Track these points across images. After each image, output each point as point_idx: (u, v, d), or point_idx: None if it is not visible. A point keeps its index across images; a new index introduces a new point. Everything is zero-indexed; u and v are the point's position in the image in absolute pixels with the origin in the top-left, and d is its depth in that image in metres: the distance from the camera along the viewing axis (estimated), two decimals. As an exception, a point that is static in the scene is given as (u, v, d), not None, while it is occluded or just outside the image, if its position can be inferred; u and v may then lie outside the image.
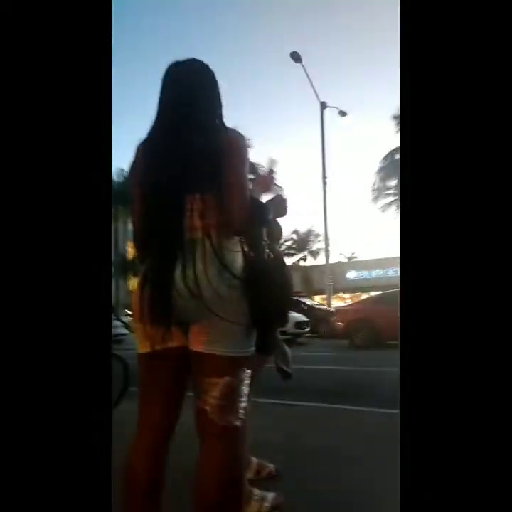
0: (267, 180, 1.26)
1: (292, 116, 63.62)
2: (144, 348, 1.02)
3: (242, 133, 1.14)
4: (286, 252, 26.18)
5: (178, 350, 1.00)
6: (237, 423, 0.98)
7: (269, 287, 1.05)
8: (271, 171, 1.29)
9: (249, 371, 1.03)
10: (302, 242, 26.19)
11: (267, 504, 1.38)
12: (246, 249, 1.06)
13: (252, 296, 1.00)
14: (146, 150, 1.07)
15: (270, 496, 1.42)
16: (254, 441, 1.55)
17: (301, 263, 26.05)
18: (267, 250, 1.19)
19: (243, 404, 1.00)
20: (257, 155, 1.46)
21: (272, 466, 1.68)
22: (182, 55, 1.15)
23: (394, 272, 21.86)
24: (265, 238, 1.21)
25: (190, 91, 1.09)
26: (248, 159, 1.08)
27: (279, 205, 1.28)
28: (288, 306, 1.37)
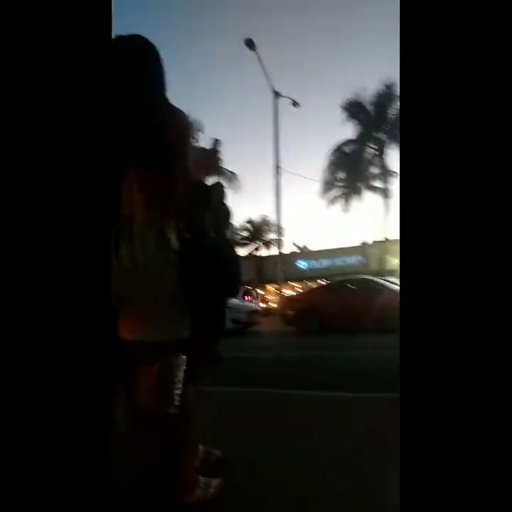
0: (211, 162, 1.24)
1: (245, 104, 63.41)
2: None
3: (187, 114, 1.11)
4: (241, 242, 26.26)
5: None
6: (172, 410, 0.97)
7: (208, 271, 1.03)
8: (215, 152, 1.27)
9: (183, 356, 1.01)
10: (256, 232, 26.36)
11: (211, 490, 1.38)
12: (185, 230, 1.04)
13: (189, 278, 0.98)
14: None
15: (215, 482, 1.42)
16: (200, 429, 1.54)
17: (255, 253, 26.24)
18: (210, 233, 1.16)
19: (177, 391, 0.99)
20: (208, 142, 1.43)
21: (218, 453, 1.68)
22: (126, 30, 1.11)
23: (341, 261, 22.80)
24: (208, 220, 1.18)
25: (132, 65, 1.04)
26: (191, 140, 1.06)
27: (218, 191, 1.26)
28: (230, 291, 1.35)
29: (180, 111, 1.07)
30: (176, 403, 0.99)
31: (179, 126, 1.03)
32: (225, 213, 1.69)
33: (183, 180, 1.00)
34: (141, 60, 1.06)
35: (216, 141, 1.31)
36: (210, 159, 1.32)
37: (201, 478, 1.40)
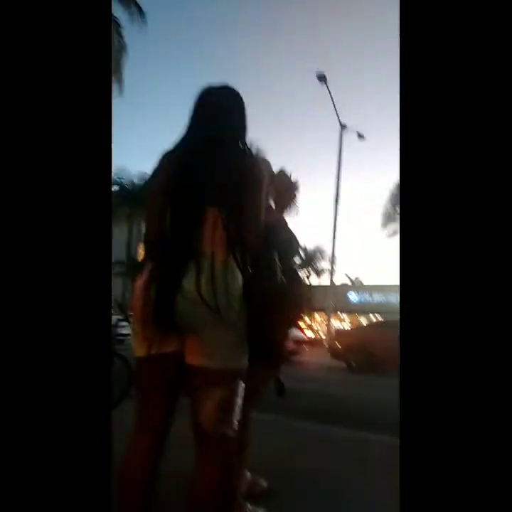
0: (286, 201, 1.33)
1: (311, 135, 64.61)
2: (140, 351, 1.04)
3: (266, 159, 1.20)
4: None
5: (173, 355, 1.02)
6: (232, 434, 1.01)
7: (273, 307, 1.08)
8: (292, 190, 1.36)
9: (243, 384, 1.05)
10: (309, 260, 26.18)
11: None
12: (255, 266, 1.09)
13: (256, 311, 1.04)
14: (174, 159, 1.13)
15: (261, 511, 1.43)
16: (250, 456, 1.57)
17: (306, 281, 25.98)
18: (278, 272, 1.22)
19: (237, 417, 1.03)
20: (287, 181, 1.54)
21: (264, 483, 1.69)
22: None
23: (395, 298, 21.78)
24: (277, 259, 1.25)
25: (221, 113, 1.16)
26: (268, 184, 1.13)
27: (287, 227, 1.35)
28: (292, 324, 1.40)
29: (261, 157, 1.16)
30: (235, 428, 1.03)
31: (256, 171, 1.12)
32: (293, 246, 1.76)
33: (257, 219, 1.07)
34: (227, 108, 1.18)
35: (294, 183, 1.40)
36: (286, 198, 1.41)
37: (248, 505, 1.42)
